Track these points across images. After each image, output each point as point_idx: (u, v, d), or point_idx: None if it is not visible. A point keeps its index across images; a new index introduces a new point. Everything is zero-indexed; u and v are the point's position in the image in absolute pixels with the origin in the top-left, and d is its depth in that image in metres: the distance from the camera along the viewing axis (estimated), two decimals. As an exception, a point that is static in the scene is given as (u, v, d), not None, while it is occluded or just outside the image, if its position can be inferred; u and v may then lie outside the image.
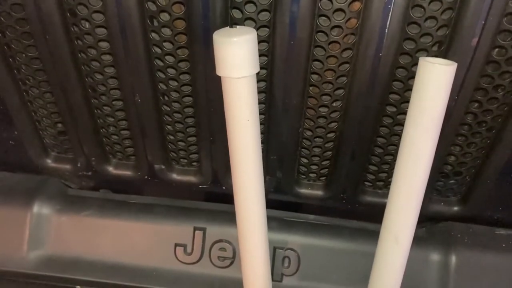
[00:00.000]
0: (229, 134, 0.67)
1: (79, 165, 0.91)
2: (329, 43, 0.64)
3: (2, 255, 0.88)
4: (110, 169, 0.90)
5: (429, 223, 0.89)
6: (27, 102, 0.82)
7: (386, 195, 0.82)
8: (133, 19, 0.65)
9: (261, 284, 0.78)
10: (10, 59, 0.76)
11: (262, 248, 0.75)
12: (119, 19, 0.65)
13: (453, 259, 0.82)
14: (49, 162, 0.92)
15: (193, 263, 0.87)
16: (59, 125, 0.85)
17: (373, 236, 0.86)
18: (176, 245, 0.87)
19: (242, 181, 0.69)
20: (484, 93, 0.67)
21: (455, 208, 0.86)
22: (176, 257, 0.87)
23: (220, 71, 0.62)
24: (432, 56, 0.64)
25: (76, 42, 0.70)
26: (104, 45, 0.70)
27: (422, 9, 0.60)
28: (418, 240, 0.85)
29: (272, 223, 0.88)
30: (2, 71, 0.76)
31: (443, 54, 0.63)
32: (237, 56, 0.61)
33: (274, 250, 0.86)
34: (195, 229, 0.87)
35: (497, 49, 0.62)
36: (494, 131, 0.72)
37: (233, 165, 0.69)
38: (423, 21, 0.61)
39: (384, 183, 0.84)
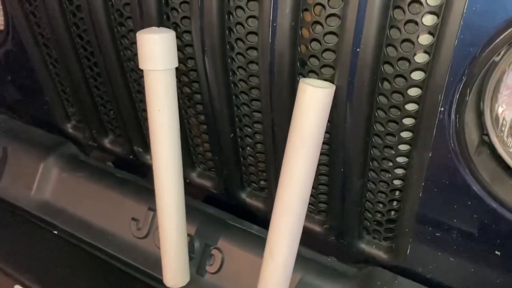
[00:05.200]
0: (149, 120, 0.77)
1: (86, 135, 1.09)
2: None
3: (15, 192, 1.10)
4: (106, 142, 1.06)
5: (364, 265, 0.85)
6: (54, 74, 1.04)
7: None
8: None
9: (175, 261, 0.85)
10: (40, 37, 0.97)
11: (174, 218, 0.82)
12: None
13: (361, 304, 0.77)
14: (69, 127, 1.12)
15: (141, 238, 0.97)
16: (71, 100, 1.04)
17: (305, 262, 0.86)
18: (132, 218, 0.98)
19: (158, 160, 0.78)
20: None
21: (386, 256, 0.81)
22: (130, 229, 0.98)
23: (140, 64, 0.72)
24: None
25: (73, 28, 0.88)
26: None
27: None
28: (340, 277, 0.82)
29: (213, 221, 0.93)
30: (32, 47, 0.98)
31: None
32: (152, 51, 0.71)
33: (205, 246, 0.91)
34: (149, 209, 0.97)
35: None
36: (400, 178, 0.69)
37: (152, 146, 0.78)
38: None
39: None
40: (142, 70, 0.85)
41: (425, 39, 0.57)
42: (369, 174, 0.73)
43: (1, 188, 1.11)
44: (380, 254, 0.81)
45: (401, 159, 0.68)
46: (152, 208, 0.97)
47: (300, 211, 0.68)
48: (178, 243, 0.84)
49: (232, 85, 0.76)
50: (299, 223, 0.69)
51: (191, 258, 0.90)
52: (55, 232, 1.04)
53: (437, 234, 0.71)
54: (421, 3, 0.55)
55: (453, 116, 0.59)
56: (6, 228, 1.05)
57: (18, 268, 0.96)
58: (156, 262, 0.93)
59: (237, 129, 0.82)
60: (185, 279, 0.88)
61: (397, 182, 0.71)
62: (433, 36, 0.56)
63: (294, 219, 0.68)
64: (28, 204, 1.08)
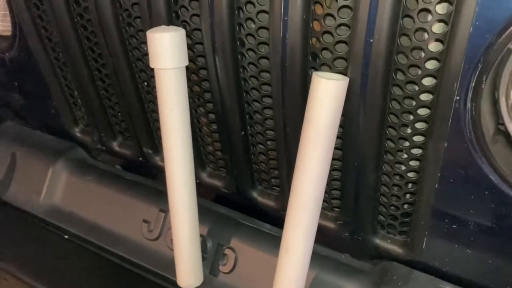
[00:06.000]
0: (160, 120, 0.76)
1: (95, 138, 1.09)
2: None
3: (24, 197, 1.10)
4: (115, 145, 1.06)
5: (379, 260, 0.84)
6: (61, 78, 1.03)
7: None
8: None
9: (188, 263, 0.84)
10: (47, 41, 0.97)
11: (187, 218, 0.82)
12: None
13: (378, 299, 0.76)
14: (77, 131, 1.12)
15: (152, 240, 0.97)
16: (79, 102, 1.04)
17: (320, 259, 0.85)
18: (143, 220, 0.98)
19: (170, 161, 0.78)
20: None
21: (401, 250, 0.80)
22: (141, 231, 0.98)
23: (151, 63, 0.72)
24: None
25: (80, 30, 0.88)
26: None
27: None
28: (355, 273, 0.82)
29: (225, 221, 0.93)
30: (40, 51, 0.99)
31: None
32: (162, 49, 0.71)
33: (218, 246, 0.91)
34: (160, 210, 0.97)
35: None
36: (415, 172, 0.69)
37: (164, 146, 0.78)
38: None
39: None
40: (151, 70, 0.85)
41: (439, 27, 0.56)
42: (383, 168, 0.72)
43: (11, 193, 1.11)
44: (395, 249, 0.81)
45: (416, 151, 0.67)
46: (163, 210, 0.96)
47: (315, 206, 0.67)
48: (191, 244, 0.84)
49: (242, 82, 0.75)
50: (314, 218, 0.68)
51: (204, 259, 0.89)
52: (66, 236, 1.04)
53: (453, 226, 0.71)
54: (434, -9, 0.55)
55: (469, 104, 0.58)
56: (16, 233, 1.05)
57: (29, 273, 0.96)
58: (169, 264, 0.92)
59: (248, 127, 0.82)
60: (198, 279, 0.87)
61: (411, 175, 0.71)
62: (447, 25, 0.56)
63: (310, 213, 0.67)
64: (37, 209, 1.08)
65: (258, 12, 0.67)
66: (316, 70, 0.66)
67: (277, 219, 0.92)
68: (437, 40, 0.58)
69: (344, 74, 0.64)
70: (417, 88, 0.61)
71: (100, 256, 0.98)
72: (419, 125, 0.65)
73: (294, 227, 0.68)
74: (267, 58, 0.70)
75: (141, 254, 0.96)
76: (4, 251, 1.01)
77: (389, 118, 0.66)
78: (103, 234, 1.01)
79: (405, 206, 0.75)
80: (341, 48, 0.63)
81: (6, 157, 1.14)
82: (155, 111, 0.93)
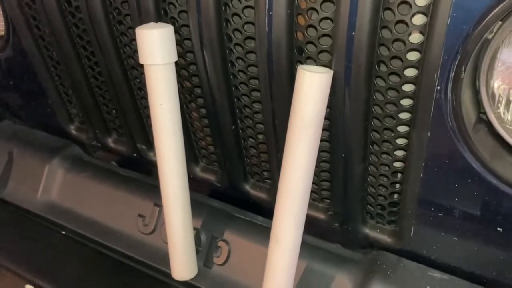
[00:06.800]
0: (151, 115, 0.78)
1: (90, 135, 1.10)
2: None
3: (21, 194, 1.12)
4: (110, 141, 1.07)
5: (369, 250, 0.86)
6: (56, 76, 1.05)
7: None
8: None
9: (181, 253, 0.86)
10: (40, 40, 0.99)
11: (180, 212, 0.83)
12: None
13: None
14: (72, 128, 1.13)
15: (148, 234, 0.98)
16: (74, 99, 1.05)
17: (311, 249, 0.87)
18: (139, 215, 1.00)
19: (162, 156, 0.80)
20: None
21: (390, 239, 0.81)
22: (137, 225, 0.99)
23: (140, 59, 0.74)
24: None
25: (73, 28, 0.90)
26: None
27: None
28: (345, 262, 0.84)
29: (218, 214, 0.94)
30: (33, 50, 1.00)
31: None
32: (151, 46, 0.72)
33: (211, 238, 0.92)
34: (154, 205, 0.98)
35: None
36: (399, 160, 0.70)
37: (155, 141, 0.79)
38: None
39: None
40: (142, 67, 0.86)
41: (418, 19, 0.58)
42: (370, 158, 0.74)
43: (8, 191, 1.13)
44: (385, 238, 0.82)
45: (400, 141, 0.69)
46: (158, 204, 0.98)
47: (303, 196, 0.69)
48: (185, 237, 0.85)
49: (231, 77, 0.77)
50: (303, 207, 0.70)
51: (198, 251, 0.91)
52: (63, 232, 1.05)
53: (439, 214, 0.72)
54: (413, -15, 0.57)
55: (449, 94, 0.60)
56: (14, 230, 1.06)
57: (28, 268, 0.97)
58: (164, 257, 0.94)
59: (238, 121, 0.83)
60: (193, 272, 0.89)
61: (397, 164, 0.72)
62: (426, 16, 0.57)
63: (298, 203, 0.69)
64: (35, 206, 1.10)
65: (244, 8, 0.68)
66: (302, 63, 0.68)
67: (269, 211, 0.93)
68: (417, 31, 0.59)
69: (329, 67, 0.65)
70: (399, 79, 0.63)
71: (96, 251, 1.00)
72: (403, 116, 0.66)
73: (283, 217, 0.70)
74: (254, 53, 0.71)
75: (137, 248, 0.98)
76: (2, 248, 1.02)
77: (373, 109, 0.67)
78: (99, 229, 1.03)
79: (393, 195, 0.77)
80: (325, 42, 0.64)
81: (3, 155, 1.16)
82: (148, 107, 0.94)
